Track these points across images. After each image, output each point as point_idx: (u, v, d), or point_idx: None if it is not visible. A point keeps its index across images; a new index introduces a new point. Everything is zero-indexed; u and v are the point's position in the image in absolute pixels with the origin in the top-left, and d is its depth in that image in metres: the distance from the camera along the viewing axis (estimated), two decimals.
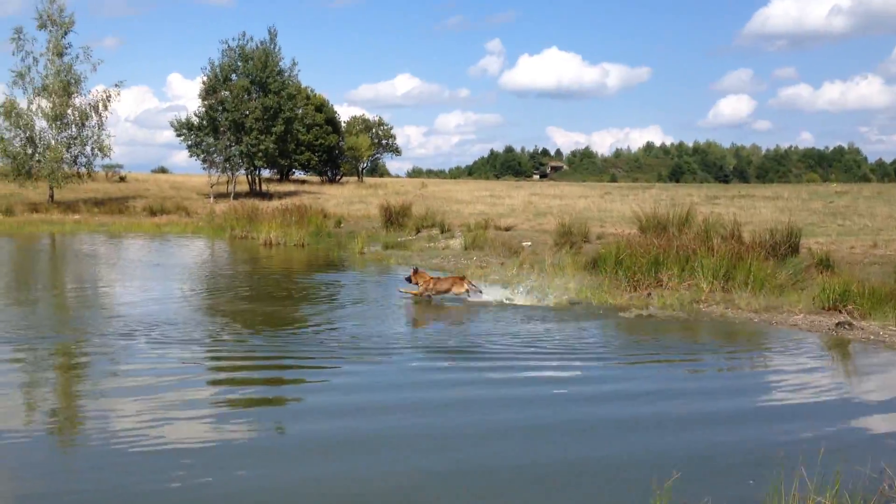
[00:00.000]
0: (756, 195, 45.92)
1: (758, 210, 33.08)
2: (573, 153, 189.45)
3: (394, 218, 31.05)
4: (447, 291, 14.88)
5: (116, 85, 52.68)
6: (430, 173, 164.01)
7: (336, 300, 15.21)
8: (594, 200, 44.90)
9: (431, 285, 14.91)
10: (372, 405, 8.13)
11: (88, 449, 6.75)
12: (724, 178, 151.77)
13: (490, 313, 13.78)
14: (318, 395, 8.60)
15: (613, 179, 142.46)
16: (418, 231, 28.90)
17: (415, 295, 15.01)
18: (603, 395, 8.84)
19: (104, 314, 13.17)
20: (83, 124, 51.52)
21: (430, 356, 10.45)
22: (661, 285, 15.79)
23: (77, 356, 10.03)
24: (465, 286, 14.81)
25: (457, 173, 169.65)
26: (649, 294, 15.29)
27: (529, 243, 23.40)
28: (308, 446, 6.93)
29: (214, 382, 9.07)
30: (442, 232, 27.98)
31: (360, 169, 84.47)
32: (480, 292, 14.92)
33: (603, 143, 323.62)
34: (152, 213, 46.22)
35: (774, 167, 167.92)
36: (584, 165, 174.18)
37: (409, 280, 15.20)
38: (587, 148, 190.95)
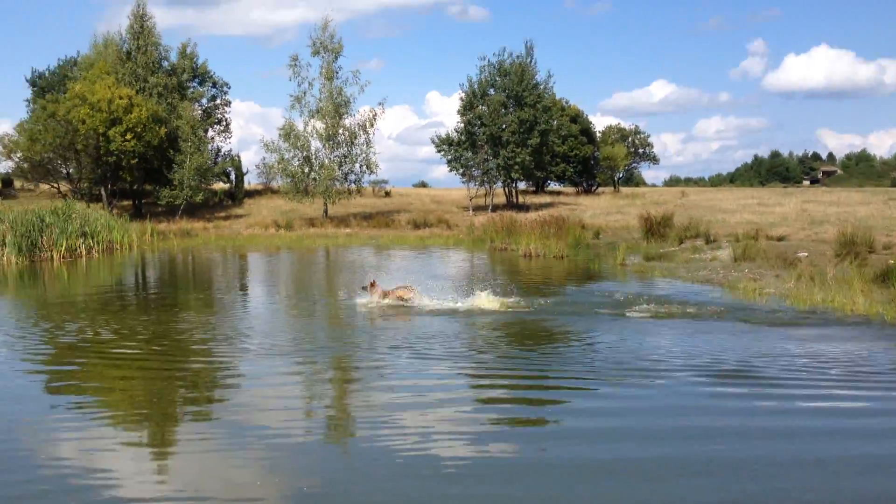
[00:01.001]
0: None
1: None
2: (847, 156, 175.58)
3: (654, 228, 30.11)
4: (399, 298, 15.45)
5: (380, 104, 55.54)
6: (689, 181, 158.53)
7: (598, 314, 14.78)
8: (877, 207, 41.12)
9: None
10: (636, 431, 7.61)
11: (359, 455, 6.87)
12: None
13: (763, 331, 12.79)
14: (579, 418, 8.16)
15: (895, 184, 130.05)
16: (681, 242, 27.80)
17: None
18: None
19: (375, 326, 13.63)
20: (352, 143, 54.70)
21: (701, 379, 9.65)
22: None
23: (349, 369, 10.37)
24: (411, 294, 15.53)
25: (718, 181, 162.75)
26: None
27: (806, 254, 21.71)
28: (568, 469, 6.56)
29: (474, 400, 8.94)
30: (707, 242, 26.72)
31: (616, 179, 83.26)
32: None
33: (881, 145, 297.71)
34: (416, 226, 48.07)
35: None
36: (860, 169, 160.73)
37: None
38: (863, 150, 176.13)
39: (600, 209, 51.17)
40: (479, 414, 8.17)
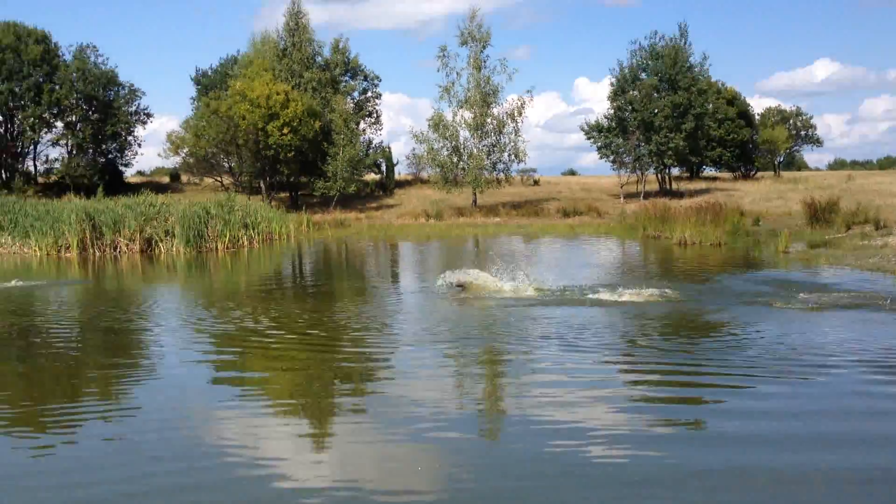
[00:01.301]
0: None
1: None
2: None
3: (819, 214, 28.55)
4: None
5: (528, 91, 55.21)
6: (855, 165, 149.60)
7: (757, 304, 14.03)
8: None
9: None
10: (796, 435, 7.06)
11: (509, 450, 6.72)
12: None
13: None
14: (734, 419, 7.60)
15: None
16: (848, 228, 26.21)
17: None
18: None
19: (526, 315, 13.43)
20: (501, 132, 54.63)
21: (871, 376, 8.91)
22: None
23: (500, 361, 10.24)
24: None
25: (887, 164, 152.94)
26: None
27: None
28: (720, 476, 6.16)
29: (626, 398, 8.59)
30: (877, 228, 25.09)
31: (776, 163, 79.67)
32: None
33: None
34: (565, 214, 47.57)
35: None
36: None
37: None
38: None
39: (760, 195, 49.07)
40: (632, 413, 7.84)
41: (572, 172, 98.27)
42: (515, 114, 54.23)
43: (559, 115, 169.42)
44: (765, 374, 9.02)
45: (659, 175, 59.60)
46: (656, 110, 54.06)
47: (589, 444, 6.82)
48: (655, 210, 34.83)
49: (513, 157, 55.16)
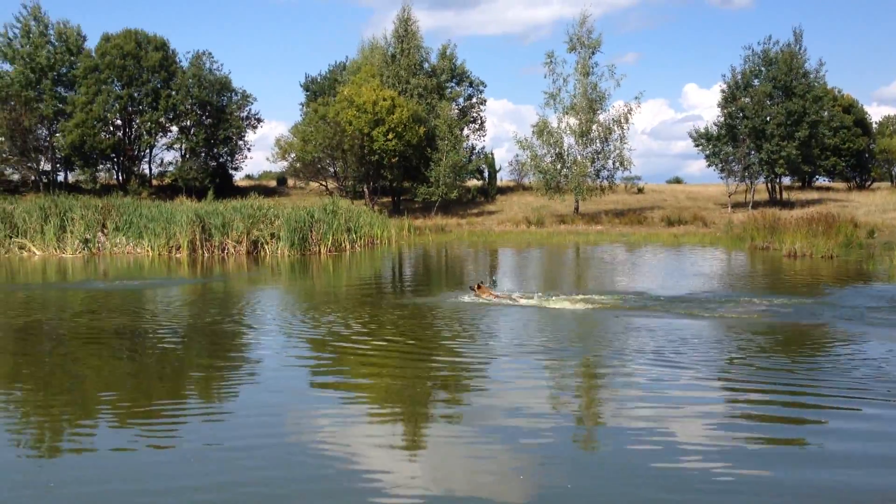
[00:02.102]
0: None
1: None
2: None
3: None
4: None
5: (636, 98, 54.42)
6: None
7: (869, 320, 13.32)
8: None
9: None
10: None
11: (605, 463, 6.55)
12: None
13: None
14: (838, 441, 7.23)
15: None
16: None
17: None
18: None
19: (624, 327, 13.14)
20: (606, 139, 53.97)
21: None
22: None
23: (596, 374, 9.99)
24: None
25: None
26: None
27: None
28: (830, 496, 5.88)
29: (725, 414, 8.22)
30: None
31: (893, 173, 76.11)
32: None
33: None
34: (670, 223, 46.63)
35: None
36: None
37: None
38: None
39: (875, 206, 47.00)
40: (730, 431, 7.53)
41: (678, 180, 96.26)
42: (622, 120, 53.50)
43: (666, 122, 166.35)
44: (872, 397, 8.53)
45: (769, 184, 57.76)
46: (769, 118, 52.45)
47: (684, 459, 6.62)
48: (765, 220, 33.76)
49: (617, 164, 54.46)
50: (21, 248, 32.24)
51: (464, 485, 6.25)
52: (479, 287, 16.79)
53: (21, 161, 59.87)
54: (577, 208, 54.34)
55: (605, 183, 55.26)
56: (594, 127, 53.68)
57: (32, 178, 60.86)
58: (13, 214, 33.28)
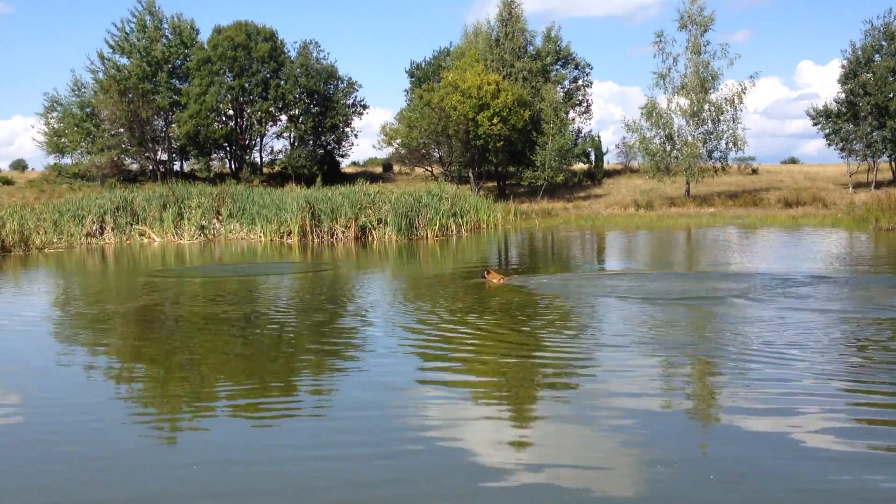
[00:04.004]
0: None
1: None
2: None
3: None
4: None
5: (751, 77, 52.54)
6: None
7: None
8: None
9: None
10: None
11: (715, 460, 6.16)
12: None
13: None
14: None
15: None
16: None
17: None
18: None
19: (739, 317, 12.54)
20: (718, 119, 52.33)
21: None
22: None
23: (708, 372, 9.49)
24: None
25: None
26: None
27: None
28: None
29: (846, 415, 7.62)
30: None
31: None
32: None
33: None
34: (787, 204, 44.97)
35: None
36: None
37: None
38: None
39: None
40: (853, 431, 6.97)
41: (793, 161, 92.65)
42: (735, 100, 51.72)
43: (780, 101, 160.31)
44: None
45: (893, 163, 54.91)
46: (892, 94, 49.78)
47: (800, 458, 6.16)
48: (889, 200, 32.05)
49: (730, 144, 52.73)
50: (141, 234, 33.48)
51: (572, 472, 6.03)
52: (488, 273, 17.05)
53: (139, 151, 62.23)
54: (688, 191, 52.94)
55: (718, 164, 53.59)
56: (706, 107, 52.07)
57: (150, 167, 63.19)
58: (133, 203, 34.58)
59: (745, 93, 51.80)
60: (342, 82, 66.41)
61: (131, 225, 33.83)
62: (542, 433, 6.95)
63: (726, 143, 52.73)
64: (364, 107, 68.23)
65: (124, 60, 64.40)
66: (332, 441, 6.66)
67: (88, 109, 63.19)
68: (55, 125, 64.11)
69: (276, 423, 7.30)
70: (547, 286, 16.31)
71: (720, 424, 7.15)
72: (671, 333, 10.89)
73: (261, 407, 7.82)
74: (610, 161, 68.80)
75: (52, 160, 65.32)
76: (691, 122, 52.36)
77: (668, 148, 52.83)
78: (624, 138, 58.29)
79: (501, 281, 16.61)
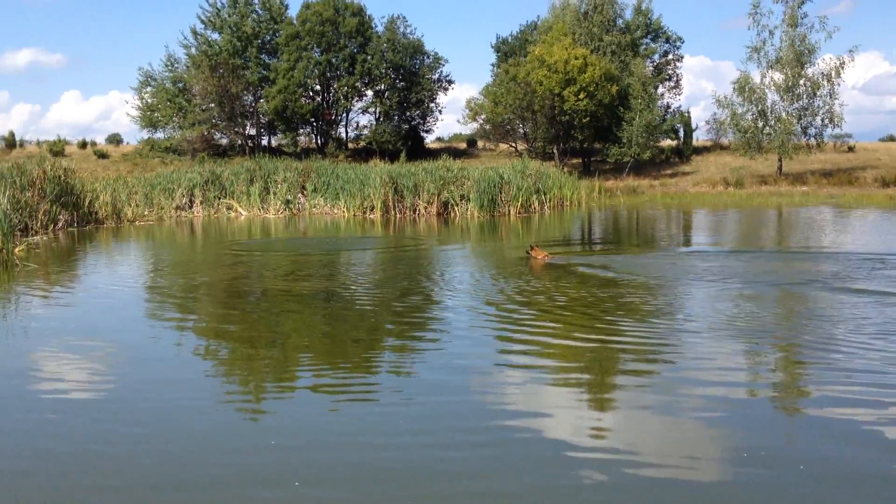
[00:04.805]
0: None
1: None
2: None
3: None
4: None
5: (850, 51, 50.35)
6: None
7: None
8: None
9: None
10: None
11: (804, 448, 5.88)
12: None
13: None
14: None
15: None
16: None
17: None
18: None
19: (833, 306, 12.00)
20: (814, 95, 50.49)
21: None
22: None
23: (798, 352, 9.10)
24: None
25: None
26: None
27: None
28: None
29: None
30: None
31: None
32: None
33: None
34: (884, 184, 43.27)
35: None
36: None
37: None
38: None
39: None
40: None
41: (892, 138, 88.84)
42: (833, 75, 49.75)
43: (880, 77, 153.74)
44: None
45: None
46: None
47: (890, 451, 5.85)
48: None
49: (826, 121, 50.80)
50: (229, 208, 34.16)
51: (650, 449, 5.95)
52: (532, 249, 17.06)
53: (229, 126, 63.48)
54: (780, 168, 51.31)
55: (813, 141, 51.75)
56: (801, 82, 50.24)
57: (239, 142, 64.42)
58: (222, 177, 35.30)
59: (843, 67, 49.82)
60: (428, 57, 66.37)
61: (219, 199, 34.56)
62: (625, 420, 6.79)
63: (822, 120, 50.90)
64: (449, 82, 68.12)
65: (216, 36, 65.64)
66: (411, 427, 6.59)
67: (180, 84, 64.71)
68: (149, 100, 65.89)
69: (358, 405, 7.28)
70: (630, 265, 15.99)
71: (807, 414, 6.86)
72: (756, 318, 10.53)
73: (343, 388, 7.84)
74: (699, 138, 67.17)
75: (145, 134, 67.28)
76: (786, 97, 50.62)
77: (761, 124, 51.24)
78: (714, 114, 56.72)
79: (546, 258, 16.56)
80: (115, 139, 79.39)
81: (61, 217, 26.50)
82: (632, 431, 6.46)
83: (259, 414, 7.12)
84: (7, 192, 23.52)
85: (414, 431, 6.43)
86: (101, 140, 76.41)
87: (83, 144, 66.01)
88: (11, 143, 63.68)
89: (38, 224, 25.16)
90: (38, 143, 65.87)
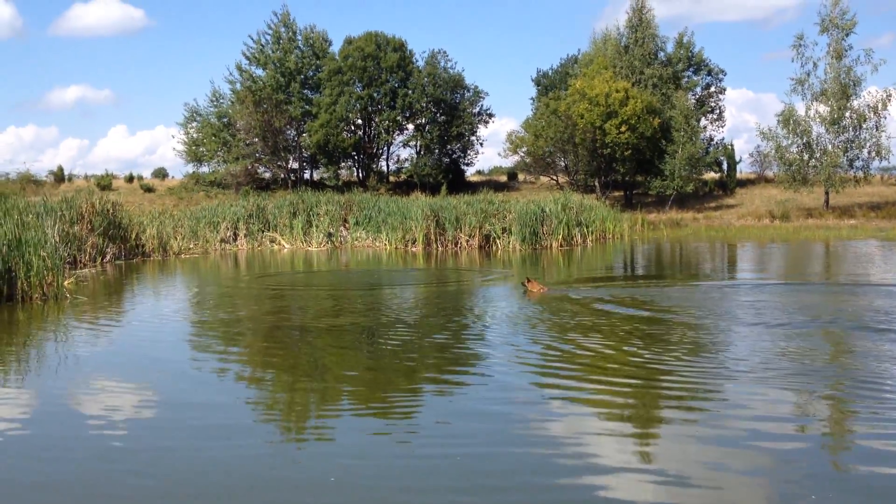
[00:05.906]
0: None
1: None
2: None
3: None
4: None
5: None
6: None
7: None
8: None
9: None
10: None
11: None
12: None
13: None
14: None
15: None
16: None
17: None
18: None
19: (875, 343, 11.68)
20: (860, 127, 49.87)
21: None
22: None
23: (847, 394, 8.84)
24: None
25: None
26: None
27: None
28: None
29: None
30: None
31: None
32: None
33: None
34: None
35: None
36: None
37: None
38: None
39: None
40: None
41: None
42: (879, 107, 49.13)
43: None
44: None
45: None
46: None
47: None
48: None
49: (873, 153, 50.10)
50: (272, 241, 34.47)
51: (694, 484, 5.84)
52: (528, 281, 17.10)
53: (272, 160, 64.30)
54: (826, 201, 50.60)
55: (860, 174, 51.01)
56: (847, 114, 49.67)
57: (282, 175, 65.17)
58: (265, 210, 35.68)
59: (889, 100, 49.20)
60: (468, 91, 66.79)
61: (263, 231, 34.90)
62: (668, 454, 6.64)
63: (868, 152, 50.20)
64: (490, 115, 68.45)
65: (260, 72, 66.76)
66: (453, 450, 6.53)
67: (225, 119, 65.77)
68: (194, 135, 67.04)
69: (399, 439, 7.23)
70: (675, 298, 15.77)
71: (854, 453, 6.66)
72: (801, 356, 10.25)
73: (383, 424, 7.80)
74: (743, 170, 66.66)
75: (190, 168, 68.40)
76: (831, 129, 50.04)
77: (806, 157, 50.66)
78: (758, 146, 56.34)
79: (542, 290, 16.58)
80: (160, 173, 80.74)
81: (109, 250, 26.90)
82: (675, 464, 6.32)
83: (299, 445, 7.10)
84: (56, 226, 23.97)
85: (445, 470, 6.36)
86: (147, 174, 77.77)
87: (130, 178, 67.22)
88: (60, 177, 65.10)
89: (87, 257, 25.58)
90: (86, 178, 67.29)
